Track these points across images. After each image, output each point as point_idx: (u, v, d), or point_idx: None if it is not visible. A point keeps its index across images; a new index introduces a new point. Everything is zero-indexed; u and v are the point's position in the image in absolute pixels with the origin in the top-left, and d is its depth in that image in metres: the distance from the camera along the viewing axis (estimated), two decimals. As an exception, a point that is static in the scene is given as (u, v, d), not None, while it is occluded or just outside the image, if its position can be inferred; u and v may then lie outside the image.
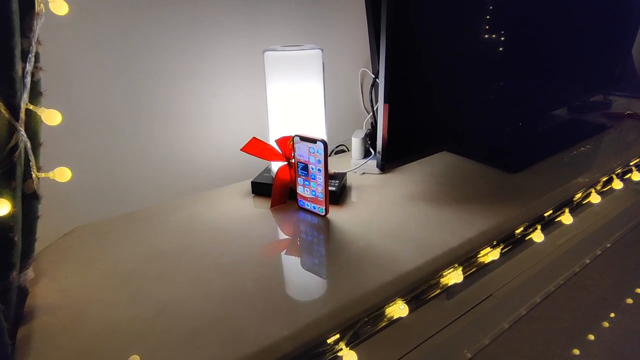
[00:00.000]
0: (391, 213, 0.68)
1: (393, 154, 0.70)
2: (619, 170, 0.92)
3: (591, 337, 0.91)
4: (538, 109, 1.04)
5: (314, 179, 0.65)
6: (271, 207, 0.71)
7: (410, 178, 0.81)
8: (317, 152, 0.62)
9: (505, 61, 0.82)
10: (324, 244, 0.60)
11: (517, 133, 1.02)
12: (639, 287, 1.31)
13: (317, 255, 0.58)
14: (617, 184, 0.90)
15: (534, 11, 0.84)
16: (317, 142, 0.61)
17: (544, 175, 0.81)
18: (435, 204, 0.70)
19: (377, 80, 0.94)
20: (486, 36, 0.77)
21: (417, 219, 0.65)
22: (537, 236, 0.72)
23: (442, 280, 0.58)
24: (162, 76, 0.76)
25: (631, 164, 0.95)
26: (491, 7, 0.75)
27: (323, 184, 0.64)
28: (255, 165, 0.82)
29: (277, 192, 0.70)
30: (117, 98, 0.73)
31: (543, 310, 1.03)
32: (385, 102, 0.66)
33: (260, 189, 0.75)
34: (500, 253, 0.65)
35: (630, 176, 0.97)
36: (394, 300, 0.52)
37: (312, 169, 0.64)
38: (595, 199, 0.85)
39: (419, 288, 0.54)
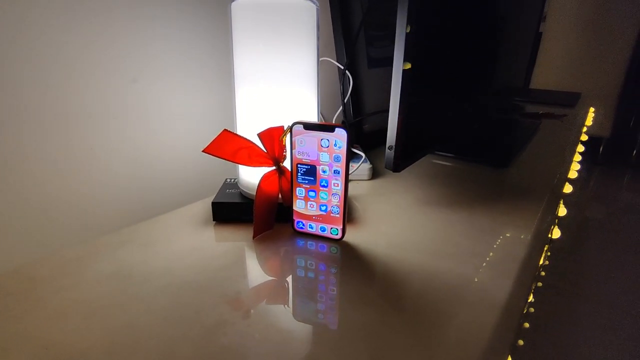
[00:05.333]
0: (421, 226, 0.51)
1: (409, 149, 0.54)
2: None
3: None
4: (482, 107, 1.03)
5: (325, 186, 0.44)
6: (254, 236, 0.46)
7: (408, 182, 0.66)
8: (336, 145, 0.42)
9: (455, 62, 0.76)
10: (365, 289, 0.39)
11: (478, 131, 0.98)
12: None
13: (369, 312, 0.37)
14: (572, 174, 0.92)
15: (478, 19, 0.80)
16: (336, 129, 0.41)
17: (532, 168, 0.76)
18: (460, 208, 0.56)
19: (346, 71, 0.78)
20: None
21: (457, 230, 0.50)
22: (556, 232, 0.65)
23: (518, 305, 0.44)
24: (43, 52, 0.45)
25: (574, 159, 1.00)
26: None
27: (342, 191, 0.43)
28: (206, 181, 0.56)
29: (262, 213, 0.46)
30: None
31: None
32: (403, 74, 0.50)
33: (225, 212, 0.50)
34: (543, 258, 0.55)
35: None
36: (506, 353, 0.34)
37: (324, 171, 0.43)
38: (568, 188, 0.84)
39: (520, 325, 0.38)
